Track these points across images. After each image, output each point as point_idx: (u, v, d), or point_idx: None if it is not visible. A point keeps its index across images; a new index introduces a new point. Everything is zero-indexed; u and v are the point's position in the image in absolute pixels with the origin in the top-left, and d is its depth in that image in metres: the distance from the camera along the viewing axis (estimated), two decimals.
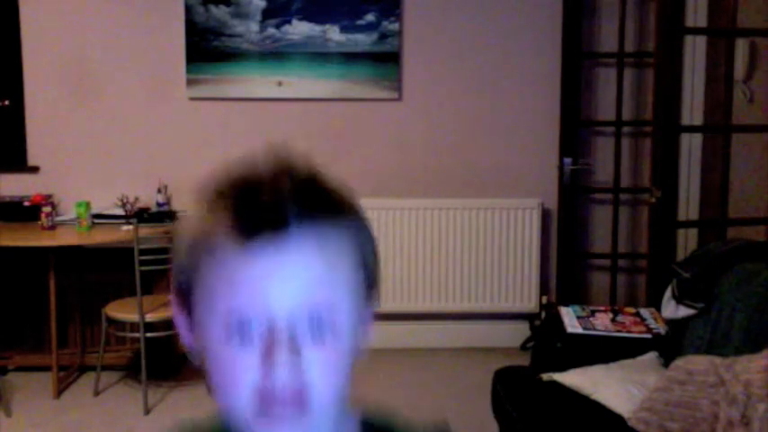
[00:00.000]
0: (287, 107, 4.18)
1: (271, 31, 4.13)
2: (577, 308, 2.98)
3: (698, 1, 3.82)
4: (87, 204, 3.71)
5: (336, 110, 4.17)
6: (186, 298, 0.68)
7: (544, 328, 3.52)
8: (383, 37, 4.15)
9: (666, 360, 2.48)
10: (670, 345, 2.59)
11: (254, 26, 4.12)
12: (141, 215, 3.81)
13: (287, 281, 0.63)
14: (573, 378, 2.49)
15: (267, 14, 4.12)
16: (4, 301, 3.91)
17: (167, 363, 3.84)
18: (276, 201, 0.64)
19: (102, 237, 3.62)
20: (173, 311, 0.72)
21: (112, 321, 3.54)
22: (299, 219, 0.63)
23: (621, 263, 4.26)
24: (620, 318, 2.87)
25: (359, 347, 0.69)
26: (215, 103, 4.17)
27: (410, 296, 4.19)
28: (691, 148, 3.92)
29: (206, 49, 4.13)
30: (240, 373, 0.63)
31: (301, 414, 0.63)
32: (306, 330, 0.63)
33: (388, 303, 4.12)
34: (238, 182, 0.66)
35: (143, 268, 3.36)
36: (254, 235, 0.62)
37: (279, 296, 0.63)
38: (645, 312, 2.92)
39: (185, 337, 0.71)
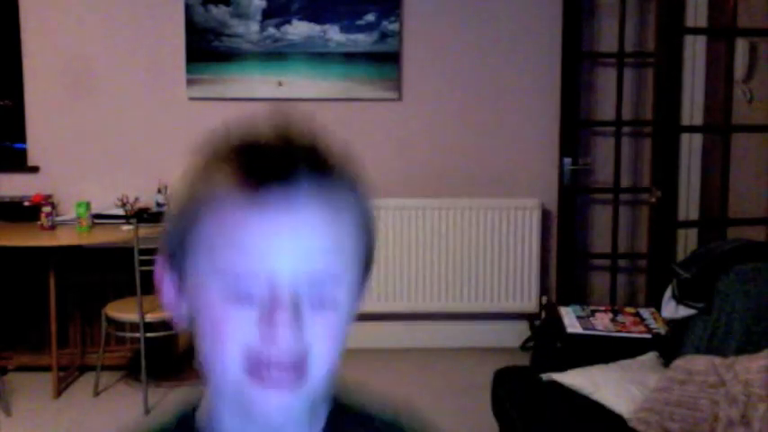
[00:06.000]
0: (287, 107, 4.17)
1: (271, 31, 4.13)
2: (577, 308, 2.98)
3: (698, 1, 3.82)
4: (87, 204, 3.71)
5: (336, 110, 4.17)
6: (178, 258, 0.66)
7: (544, 328, 3.51)
8: (383, 37, 4.15)
9: (666, 360, 2.48)
10: (670, 345, 2.59)
11: (254, 26, 4.12)
12: (141, 215, 3.80)
13: (294, 241, 0.61)
14: (573, 378, 2.49)
15: (267, 14, 4.12)
16: (4, 301, 3.91)
17: (167, 363, 3.84)
18: (285, 155, 0.63)
19: (102, 237, 3.62)
20: (157, 274, 0.70)
21: (112, 321, 3.54)
22: (308, 176, 0.62)
23: (621, 263, 4.26)
24: (620, 318, 2.87)
25: (353, 318, 0.68)
26: (215, 103, 4.17)
27: (410, 296, 4.18)
28: (691, 148, 3.92)
29: (206, 49, 4.13)
30: (235, 333, 0.61)
31: (297, 380, 0.62)
32: (308, 296, 0.62)
33: (387, 303, 4.12)
34: (244, 136, 0.65)
35: (143, 268, 3.36)
36: (262, 186, 0.61)
37: (284, 257, 0.61)
38: (645, 312, 2.92)
39: (171, 300, 0.69)
